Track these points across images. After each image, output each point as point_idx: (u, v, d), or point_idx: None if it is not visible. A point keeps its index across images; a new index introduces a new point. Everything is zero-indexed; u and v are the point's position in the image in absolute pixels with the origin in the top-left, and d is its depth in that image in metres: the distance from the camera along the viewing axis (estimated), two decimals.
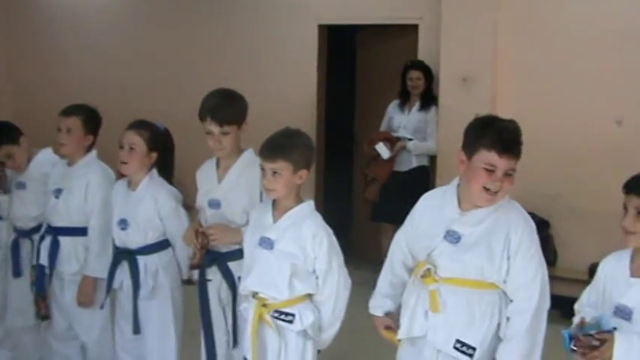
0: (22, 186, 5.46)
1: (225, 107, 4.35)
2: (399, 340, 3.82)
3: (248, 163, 4.38)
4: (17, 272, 5.51)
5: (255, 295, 3.92)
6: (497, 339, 3.61)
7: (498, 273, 3.55)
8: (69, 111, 5.04)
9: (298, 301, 3.87)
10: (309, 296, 3.91)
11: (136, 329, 4.71)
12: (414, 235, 3.84)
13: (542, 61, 7.81)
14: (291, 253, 3.82)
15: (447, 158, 7.80)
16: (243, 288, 4.03)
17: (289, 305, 3.86)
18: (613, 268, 3.55)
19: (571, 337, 3.36)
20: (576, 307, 3.68)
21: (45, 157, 5.48)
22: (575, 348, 3.33)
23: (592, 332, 3.35)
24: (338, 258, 3.90)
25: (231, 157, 4.46)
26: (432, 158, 8.14)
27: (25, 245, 5.49)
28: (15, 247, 5.52)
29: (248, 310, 3.97)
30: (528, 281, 3.56)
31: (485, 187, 3.53)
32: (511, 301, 3.59)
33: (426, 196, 3.93)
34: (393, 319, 3.90)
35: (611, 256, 3.62)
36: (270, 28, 9.62)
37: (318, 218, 3.93)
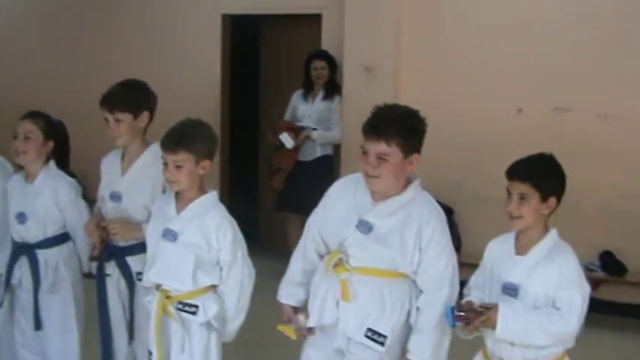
0: None
1: (118, 95, 4.33)
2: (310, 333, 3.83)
3: (152, 157, 4.30)
4: None
5: (158, 287, 3.89)
6: (407, 327, 3.66)
7: (410, 264, 3.59)
8: None
9: (202, 292, 3.85)
10: (213, 287, 3.89)
11: (37, 325, 4.62)
12: (326, 221, 3.84)
13: (444, 51, 7.92)
14: (196, 245, 3.80)
15: (351, 147, 7.82)
16: (146, 280, 3.99)
17: (193, 297, 3.84)
18: (499, 248, 3.70)
19: (453, 311, 3.44)
20: (465, 290, 3.76)
21: None
22: (458, 320, 3.43)
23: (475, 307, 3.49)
24: (242, 249, 3.89)
25: (136, 149, 4.41)
26: (337, 147, 8.17)
27: None
28: None
29: (151, 302, 3.93)
30: (439, 273, 3.61)
31: (365, 172, 3.60)
32: (422, 291, 3.64)
33: (340, 182, 3.94)
34: (302, 312, 3.86)
35: (496, 239, 3.78)
36: (173, 18, 9.55)
37: (221, 209, 3.91)
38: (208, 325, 3.87)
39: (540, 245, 3.53)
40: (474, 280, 3.79)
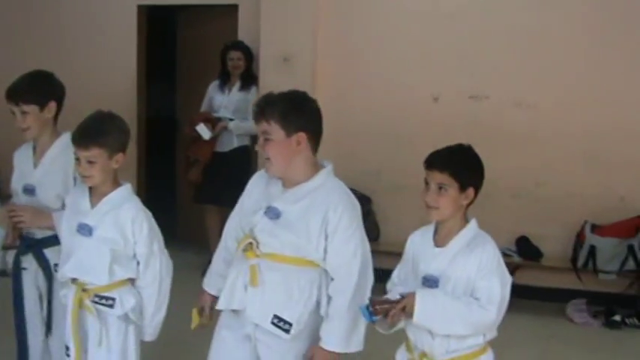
0: None
1: (23, 87, 4.28)
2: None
3: (63, 147, 4.26)
4: None
5: (74, 280, 3.84)
6: (317, 316, 3.68)
7: (316, 251, 3.60)
8: None
9: (119, 285, 3.82)
10: (130, 281, 3.86)
11: None
12: (243, 211, 3.86)
13: (361, 41, 7.96)
14: (111, 239, 3.76)
15: None
16: (62, 275, 3.93)
17: (110, 289, 3.80)
18: (419, 241, 3.66)
19: (368, 308, 3.41)
20: (388, 286, 3.73)
21: None
22: (375, 314, 3.39)
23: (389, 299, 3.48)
24: (158, 241, 3.87)
25: (46, 141, 4.35)
26: (254, 138, 8.10)
27: None
28: None
29: (68, 295, 3.88)
30: (348, 260, 3.62)
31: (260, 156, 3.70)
32: (332, 279, 3.65)
33: (257, 175, 3.94)
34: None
35: (417, 232, 3.73)
36: (88, 9, 9.37)
37: (136, 202, 3.88)
38: (126, 318, 3.84)
39: (459, 236, 3.51)
40: (397, 274, 3.75)
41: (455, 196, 3.46)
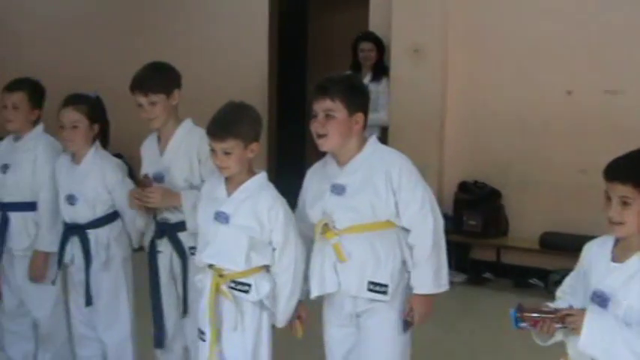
0: None
1: (150, 77, 4.40)
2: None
3: (186, 132, 4.41)
4: None
5: (211, 266, 3.92)
6: (404, 274, 3.83)
7: (387, 207, 3.76)
8: (13, 87, 4.95)
9: (255, 271, 3.86)
10: (266, 267, 3.90)
11: (88, 301, 4.69)
12: (304, 206, 4.02)
13: (493, 32, 7.83)
14: (248, 227, 3.81)
15: (399, 129, 7.83)
16: (199, 261, 4.01)
17: (246, 275, 3.85)
18: (596, 252, 3.35)
19: (515, 313, 3.26)
20: (558, 293, 3.55)
21: None
22: (522, 320, 3.23)
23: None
24: (294, 229, 3.89)
25: (170, 128, 4.48)
26: (384, 130, 8.13)
27: None
28: None
29: (203, 281, 3.96)
30: (419, 208, 3.76)
31: (314, 133, 3.81)
32: (409, 231, 3.81)
33: (309, 172, 4.11)
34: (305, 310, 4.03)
35: (594, 241, 3.41)
36: (221, 1, 9.54)
37: (272, 190, 3.93)
38: (260, 304, 3.89)
39: None
40: (569, 282, 3.52)
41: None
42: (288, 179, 7.87)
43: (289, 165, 9.45)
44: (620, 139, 6.93)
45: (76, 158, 4.70)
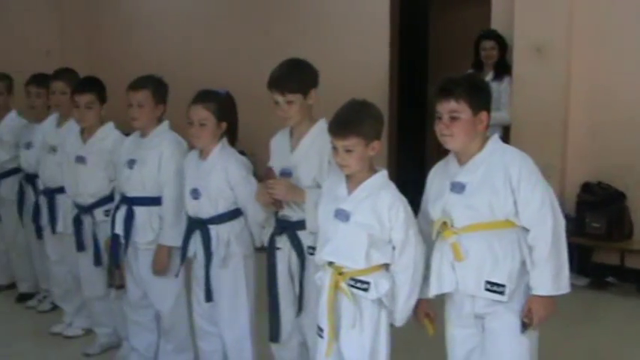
0: (82, 160, 5.53)
1: (288, 76, 4.37)
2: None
3: (319, 132, 4.37)
4: (80, 247, 5.64)
5: (330, 264, 3.93)
6: (524, 275, 3.78)
7: (505, 206, 3.73)
8: (137, 85, 5.06)
9: (374, 269, 3.86)
10: (385, 265, 3.90)
11: (208, 297, 4.77)
12: (427, 203, 4.02)
13: (618, 30, 7.62)
14: (368, 224, 3.82)
15: (522, 128, 7.72)
16: (319, 259, 4.03)
17: (365, 274, 3.85)
18: None
19: None
20: None
21: (105, 132, 5.57)
22: None
23: None
24: (414, 227, 3.89)
25: (304, 126, 4.47)
26: (506, 129, 8.03)
27: (87, 220, 5.60)
28: (77, 223, 5.64)
29: (323, 278, 3.98)
30: (538, 207, 3.71)
31: (439, 133, 3.83)
32: (529, 231, 3.76)
33: (431, 172, 4.10)
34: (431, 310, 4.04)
35: None
36: None
37: (393, 188, 3.93)
38: (379, 302, 3.88)
39: None
40: None
41: None
42: (408, 177, 7.87)
43: (409, 163, 9.43)
44: None
45: (203, 154, 4.77)
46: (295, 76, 4.38)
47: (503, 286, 3.73)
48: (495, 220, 3.76)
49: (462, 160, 3.86)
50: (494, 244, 3.75)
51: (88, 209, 5.55)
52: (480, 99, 3.78)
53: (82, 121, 5.54)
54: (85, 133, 5.61)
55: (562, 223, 3.79)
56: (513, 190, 3.71)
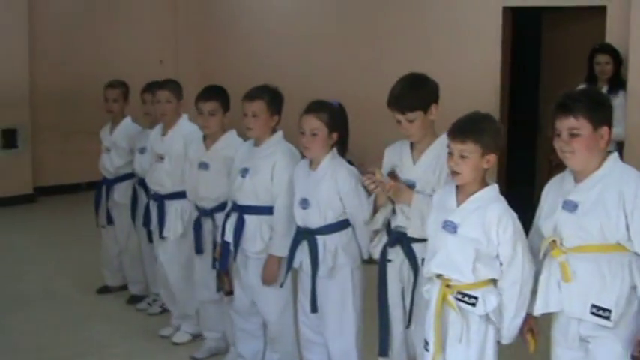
0: (205, 167, 5.62)
1: (407, 95, 4.33)
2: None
3: (442, 147, 4.25)
4: (199, 249, 5.73)
5: (439, 276, 3.92)
6: (634, 301, 3.64)
7: (617, 229, 3.59)
8: (253, 95, 5.12)
9: (482, 284, 3.85)
10: (494, 281, 3.87)
11: (314, 308, 4.79)
12: (539, 219, 3.94)
13: None
14: (475, 238, 3.80)
15: (636, 144, 7.57)
16: (427, 271, 4.02)
17: (473, 288, 3.84)
18: None
19: None
20: None
21: (228, 140, 5.63)
22: None
23: None
24: (522, 244, 3.85)
25: (426, 140, 4.43)
26: (619, 145, 7.89)
27: (207, 224, 5.69)
28: (197, 226, 5.73)
29: (431, 291, 3.97)
30: None
31: (559, 150, 3.75)
32: None
33: (549, 182, 4.02)
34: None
35: None
36: (454, 10, 9.58)
37: (503, 203, 3.89)
38: (487, 317, 3.85)
39: None
40: None
41: None
42: (518, 195, 7.80)
43: (520, 180, 9.32)
44: None
45: (313, 164, 4.81)
46: (415, 94, 4.34)
47: (609, 310, 3.60)
48: (606, 242, 3.63)
49: (578, 178, 3.75)
50: (603, 266, 3.63)
51: (209, 213, 5.64)
52: (600, 114, 3.67)
53: (206, 128, 5.63)
54: (208, 140, 5.70)
55: None
56: (626, 213, 3.58)
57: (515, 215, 3.87)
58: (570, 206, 3.70)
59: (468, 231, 3.83)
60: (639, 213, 3.56)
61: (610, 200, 3.60)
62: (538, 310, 3.82)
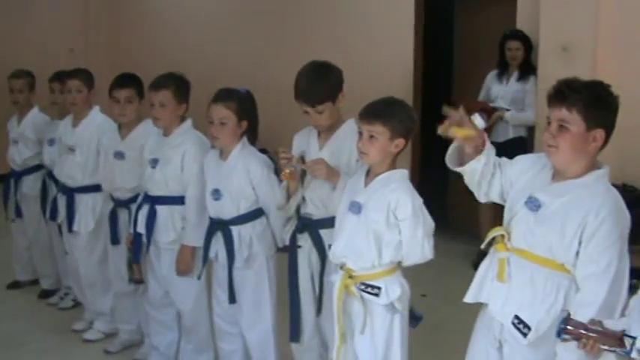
0: (120, 156, 5.52)
1: (315, 88, 4.31)
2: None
3: (349, 132, 4.31)
4: (115, 240, 5.63)
5: (342, 266, 3.92)
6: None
7: (566, 253, 3.29)
8: (158, 84, 5.04)
9: (385, 273, 3.85)
10: (398, 269, 3.88)
11: (232, 299, 4.76)
12: (511, 184, 3.65)
13: None
14: (375, 218, 3.79)
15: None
16: (332, 254, 4.02)
17: (376, 278, 3.84)
18: None
19: (562, 323, 2.95)
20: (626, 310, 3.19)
21: (145, 129, 5.52)
22: (564, 333, 2.92)
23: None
24: (423, 227, 3.81)
25: (333, 126, 4.44)
26: (530, 129, 7.99)
27: (123, 214, 5.60)
28: (113, 217, 5.64)
29: (334, 282, 3.96)
30: (599, 273, 3.21)
31: (545, 142, 3.39)
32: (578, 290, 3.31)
33: (532, 156, 3.75)
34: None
35: None
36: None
37: (406, 184, 3.86)
38: (391, 307, 3.85)
39: None
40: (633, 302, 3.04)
41: None
42: (433, 176, 7.84)
43: (434, 162, 9.37)
44: None
45: (223, 154, 4.76)
46: (322, 86, 4.33)
47: (529, 328, 3.37)
48: (552, 259, 3.34)
49: (556, 176, 3.43)
50: (539, 282, 3.37)
51: (125, 203, 5.55)
52: (597, 113, 3.29)
53: (122, 116, 5.52)
54: (124, 129, 5.60)
55: (620, 300, 3.21)
56: (581, 242, 3.24)
57: (418, 199, 3.84)
58: (534, 204, 3.41)
59: (369, 211, 3.82)
60: (594, 247, 3.22)
61: (571, 221, 3.27)
62: (467, 299, 3.67)
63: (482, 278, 3.63)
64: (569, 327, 2.90)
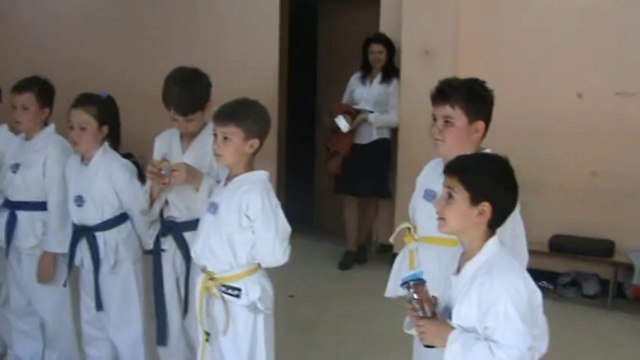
0: None
1: (188, 98, 4.34)
2: None
3: (211, 135, 4.26)
4: None
5: (204, 269, 3.93)
6: None
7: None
8: (21, 87, 4.92)
9: (245, 274, 3.87)
10: (258, 270, 3.92)
11: (99, 306, 4.69)
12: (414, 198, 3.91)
13: (504, 35, 7.80)
14: (229, 219, 3.82)
15: (409, 130, 7.81)
16: (194, 255, 4.03)
17: (236, 279, 3.86)
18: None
19: (415, 278, 3.10)
20: None
21: (0, 134, 5.39)
22: (409, 290, 3.07)
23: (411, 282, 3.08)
24: (278, 230, 3.84)
25: (199, 130, 4.47)
26: (394, 131, 8.13)
27: None
28: None
29: (196, 284, 3.97)
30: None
31: (432, 136, 3.70)
32: None
33: (427, 165, 3.99)
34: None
35: None
36: (231, 2, 9.57)
37: (260, 186, 3.86)
38: (253, 307, 3.87)
39: None
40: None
41: None
42: (298, 178, 7.89)
43: (300, 164, 9.45)
44: (631, 141, 6.95)
45: (84, 159, 4.69)
46: (195, 96, 4.37)
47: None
48: (451, 237, 3.33)
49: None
50: (446, 260, 3.42)
51: None
52: (477, 107, 3.66)
53: None
54: None
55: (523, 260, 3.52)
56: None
57: (274, 200, 3.87)
58: (430, 195, 3.68)
59: (223, 213, 3.85)
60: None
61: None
62: (387, 294, 3.86)
63: (397, 271, 3.84)
64: (418, 288, 3.07)
